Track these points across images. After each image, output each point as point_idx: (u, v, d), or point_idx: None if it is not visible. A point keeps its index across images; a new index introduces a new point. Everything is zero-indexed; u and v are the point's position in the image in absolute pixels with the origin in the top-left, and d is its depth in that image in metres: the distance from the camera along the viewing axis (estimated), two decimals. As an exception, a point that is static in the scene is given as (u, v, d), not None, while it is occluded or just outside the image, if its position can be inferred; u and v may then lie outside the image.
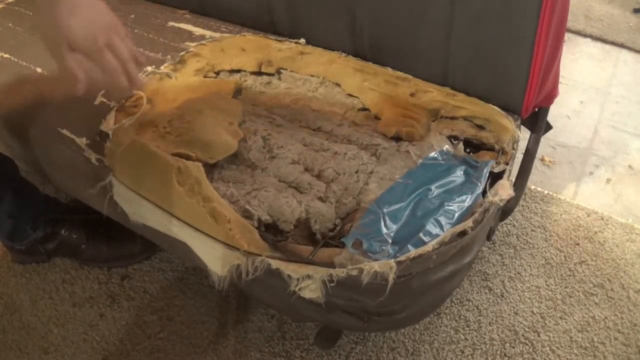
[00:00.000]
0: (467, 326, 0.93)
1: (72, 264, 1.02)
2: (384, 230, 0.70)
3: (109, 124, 0.81)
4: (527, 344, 0.91)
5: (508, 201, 0.74)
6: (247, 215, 0.73)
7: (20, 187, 0.93)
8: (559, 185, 1.20)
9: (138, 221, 0.76)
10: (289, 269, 0.65)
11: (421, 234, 0.69)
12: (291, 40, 1.01)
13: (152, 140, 0.79)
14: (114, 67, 0.63)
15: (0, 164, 0.88)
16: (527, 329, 0.93)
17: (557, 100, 0.93)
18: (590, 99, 1.44)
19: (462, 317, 0.94)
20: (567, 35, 1.61)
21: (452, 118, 0.89)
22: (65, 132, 0.80)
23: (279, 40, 1.00)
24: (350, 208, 0.76)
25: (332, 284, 0.63)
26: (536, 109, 0.92)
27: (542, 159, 1.26)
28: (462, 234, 0.68)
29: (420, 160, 0.81)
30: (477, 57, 0.84)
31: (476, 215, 0.70)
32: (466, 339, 0.91)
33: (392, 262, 0.63)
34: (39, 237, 0.96)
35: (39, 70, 0.92)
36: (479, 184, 0.76)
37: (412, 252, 0.65)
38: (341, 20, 0.94)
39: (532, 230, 1.08)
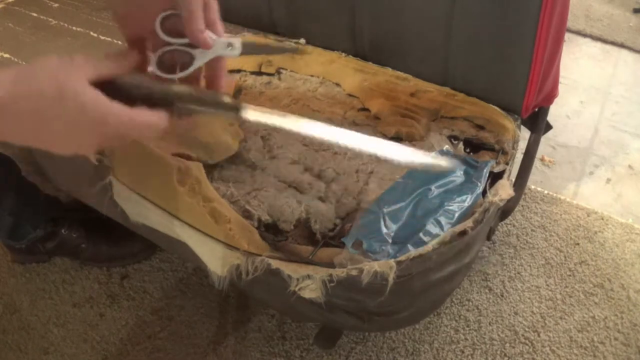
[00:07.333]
0: (467, 326, 0.93)
1: (72, 264, 1.02)
2: (384, 230, 0.70)
3: (109, 124, 0.81)
4: (527, 344, 0.91)
5: (508, 201, 0.74)
6: (247, 215, 0.73)
7: (21, 186, 0.93)
8: (559, 185, 1.20)
9: (138, 221, 0.76)
10: (289, 269, 0.65)
11: (421, 234, 0.69)
12: (291, 40, 1.00)
13: (152, 140, 0.79)
14: None
15: (2, 163, 0.88)
16: (527, 329, 0.93)
17: (557, 100, 0.93)
18: (590, 99, 1.44)
19: (462, 317, 0.94)
20: (567, 35, 1.61)
21: (452, 118, 0.89)
22: (65, 132, 0.80)
23: (279, 40, 1.00)
24: (350, 208, 0.76)
25: (332, 284, 0.63)
26: (536, 109, 0.92)
27: (542, 159, 1.26)
28: (462, 234, 0.68)
29: (420, 160, 0.81)
30: (477, 57, 0.84)
31: (476, 215, 0.70)
32: (466, 339, 0.91)
33: (392, 262, 0.63)
34: (39, 236, 0.96)
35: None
36: (479, 184, 0.76)
37: (412, 252, 0.65)
38: (341, 20, 0.94)
39: (532, 230, 1.08)
